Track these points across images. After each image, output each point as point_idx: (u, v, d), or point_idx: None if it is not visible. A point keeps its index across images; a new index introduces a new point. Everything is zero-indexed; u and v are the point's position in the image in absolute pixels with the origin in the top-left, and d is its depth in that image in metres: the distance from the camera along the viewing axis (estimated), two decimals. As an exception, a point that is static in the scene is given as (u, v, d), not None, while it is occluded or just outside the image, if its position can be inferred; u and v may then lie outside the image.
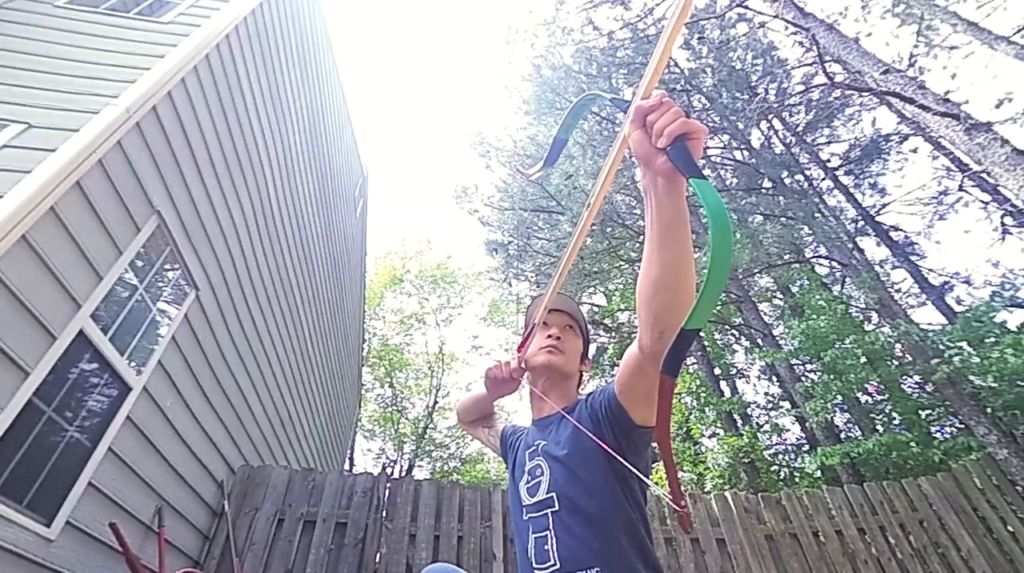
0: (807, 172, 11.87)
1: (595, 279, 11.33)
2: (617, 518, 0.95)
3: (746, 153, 11.07)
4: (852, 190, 11.97)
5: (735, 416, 11.45)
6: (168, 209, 2.91)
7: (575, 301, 1.33)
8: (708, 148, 11.73)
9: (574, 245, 0.97)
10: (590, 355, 1.42)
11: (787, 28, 9.40)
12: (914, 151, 11.41)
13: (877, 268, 10.28)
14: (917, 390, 8.76)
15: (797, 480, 10.36)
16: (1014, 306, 7.94)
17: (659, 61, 0.70)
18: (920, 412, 7.94)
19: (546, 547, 0.98)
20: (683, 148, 0.63)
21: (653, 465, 11.56)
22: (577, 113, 1.07)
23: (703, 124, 0.61)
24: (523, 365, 1.28)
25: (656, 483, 10.67)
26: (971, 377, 6.24)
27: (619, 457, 0.97)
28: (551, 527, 0.99)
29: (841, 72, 9.42)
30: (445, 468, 18.44)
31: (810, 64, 10.67)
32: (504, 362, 1.30)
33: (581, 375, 1.32)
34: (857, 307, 9.56)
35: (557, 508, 1.00)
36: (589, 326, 1.53)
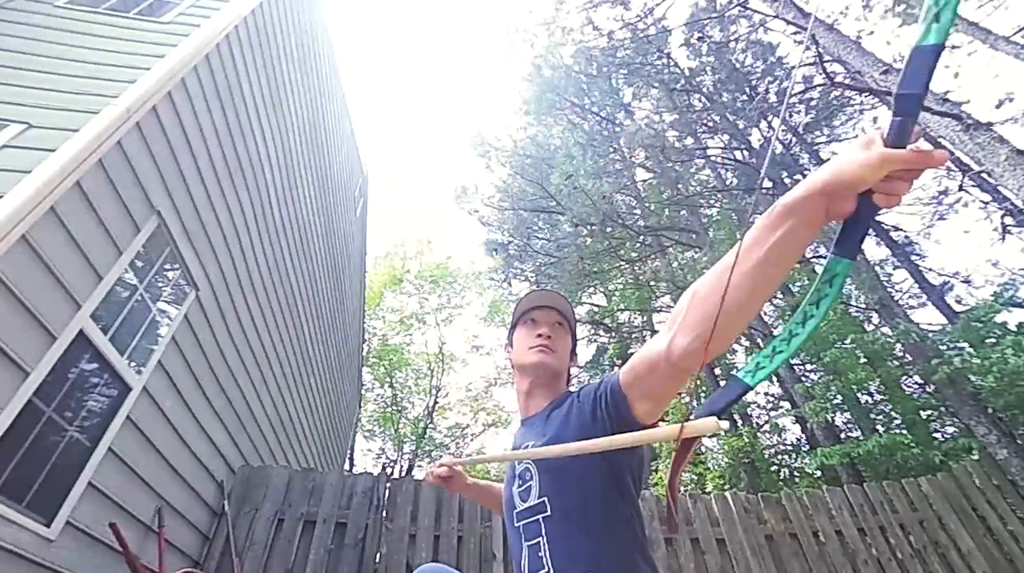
0: (807, 172, 11.86)
1: (595, 279, 11.33)
2: (610, 520, 0.94)
3: (746, 153, 11.06)
4: (852, 190, 11.94)
5: (735, 416, 11.45)
6: (168, 209, 2.91)
7: (563, 296, 1.32)
8: (708, 148, 11.75)
9: None
10: (585, 355, 1.42)
11: (786, 28, 9.39)
12: (914, 151, 11.39)
13: (877, 268, 10.28)
14: (917, 390, 8.77)
15: (797, 480, 10.37)
16: (1014, 306, 7.93)
17: None
18: (920, 412, 7.95)
19: (539, 554, 0.97)
20: (869, 211, 0.58)
21: (653, 463, 11.55)
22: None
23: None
24: (511, 363, 1.30)
25: (655, 484, 10.67)
26: (971, 377, 6.24)
27: (610, 460, 0.97)
28: (543, 533, 0.98)
29: (841, 72, 9.41)
30: (445, 468, 18.39)
31: (810, 64, 10.66)
32: (437, 464, 1.34)
33: (569, 372, 1.32)
34: (857, 307, 9.56)
35: (548, 513, 0.99)
36: (577, 322, 1.52)
